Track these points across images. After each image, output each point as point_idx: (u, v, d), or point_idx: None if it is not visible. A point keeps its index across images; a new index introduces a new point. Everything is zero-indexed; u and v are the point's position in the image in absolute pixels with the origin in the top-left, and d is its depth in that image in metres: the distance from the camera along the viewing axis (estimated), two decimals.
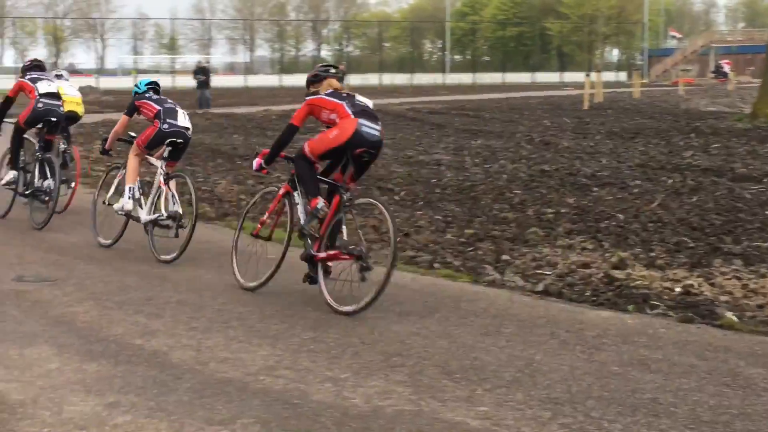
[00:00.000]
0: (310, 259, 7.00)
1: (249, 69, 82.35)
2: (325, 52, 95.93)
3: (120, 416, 4.46)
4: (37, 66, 11.56)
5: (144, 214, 8.72)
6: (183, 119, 9.05)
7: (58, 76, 12.31)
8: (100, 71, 76.95)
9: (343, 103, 7.12)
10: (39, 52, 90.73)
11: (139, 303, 6.80)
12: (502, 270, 7.88)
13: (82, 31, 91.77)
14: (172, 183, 8.83)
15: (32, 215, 10.39)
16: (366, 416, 4.51)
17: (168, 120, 8.93)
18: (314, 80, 7.57)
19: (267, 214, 7.69)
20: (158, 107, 9.05)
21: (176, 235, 8.32)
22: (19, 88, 11.01)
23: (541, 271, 7.79)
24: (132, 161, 9.14)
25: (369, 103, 7.29)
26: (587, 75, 44.27)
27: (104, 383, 4.95)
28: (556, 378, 5.11)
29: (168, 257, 8.31)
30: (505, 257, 8.33)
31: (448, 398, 4.77)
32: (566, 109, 33.00)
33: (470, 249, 8.78)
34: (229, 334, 6.01)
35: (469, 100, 42.25)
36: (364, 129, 6.94)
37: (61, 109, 10.92)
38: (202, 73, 37.15)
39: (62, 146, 11.61)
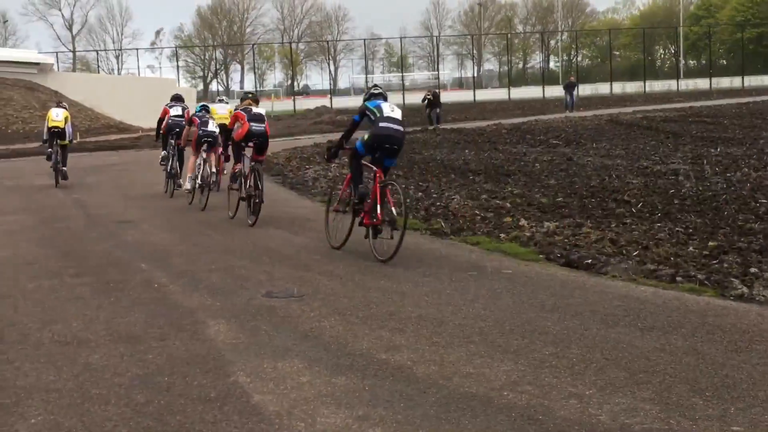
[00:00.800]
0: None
1: (478, 83, 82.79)
2: (554, 63, 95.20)
3: (370, 429, 4.59)
4: (176, 98, 18.17)
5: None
6: (211, 126, 15.66)
7: (221, 101, 17.48)
8: (333, 91, 79.46)
9: (246, 114, 12.97)
10: (276, 75, 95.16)
11: (382, 318, 6.97)
12: (750, 284, 7.56)
13: (316, 53, 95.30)
14: (212, 158, 15.58)
15: (168, 187, 17.05)
16: None
17: (202, 128, 15.52)
18: (241, 100, 14.32)
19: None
20: (199, 120, 15.67)
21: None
22: (164, 112, 17.76)
23: None
24: (191, 158, 15.66)
25: (262, 111, 13.25)
26: None
27: (353, 396, 5.11)
28: None
29: None
30: (753, 270, 7.98)
31: (699, 417, 4.62)
32: None
33: (714, 262, 8.47)
34: (471, 349, 6.06)
35: (705, 106, 40.81)
36: (254, 128, 12.76)
37: (183, 122, 17.06)
38: (433, 97, 37.71)
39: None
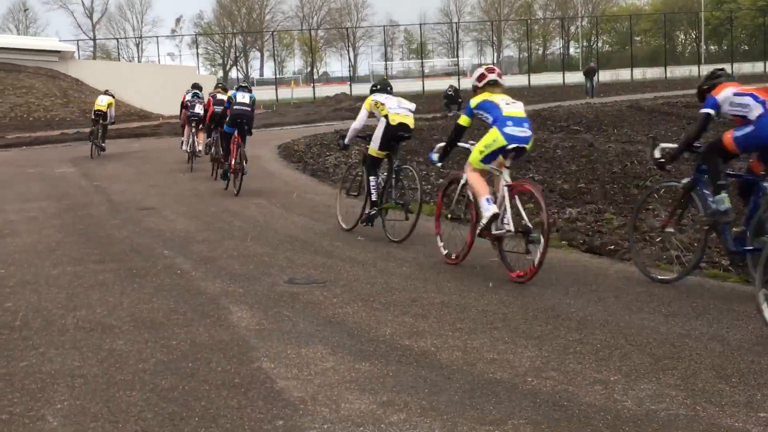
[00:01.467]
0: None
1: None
2: (574, 50, 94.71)
3: (394, 414, 4.59)
4: (196, 86, 21.95)
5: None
6: (198, 109, 19.73)
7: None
8: (353, 78, 79.32)
9: (212, 99, 17.58)
10: (295, 62, 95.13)
11: (405, 304, 6.97)
12: None
13: (335, 40, 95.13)
14: (200, 136, 19.62)
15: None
16: (639, 420, 4.42)
17: (191, 110, 19.98)
18: (215, 87, 18.79)
19: None
20: (190, 104, 20.14)
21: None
22: (183, 98, 21.69)
23: None
24: (186, 131, 20.12)
25: (224, 97, 16.98)
26: None
27: (377, 382, 5.11)
28: None
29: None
30: None
31: (725, 403, 4.60)
32: None
33: None
34: (494, 335, 6.05)
35: None
36: (216, 110, 17.12)
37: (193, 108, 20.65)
38: (454, 93, 37.73)
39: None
